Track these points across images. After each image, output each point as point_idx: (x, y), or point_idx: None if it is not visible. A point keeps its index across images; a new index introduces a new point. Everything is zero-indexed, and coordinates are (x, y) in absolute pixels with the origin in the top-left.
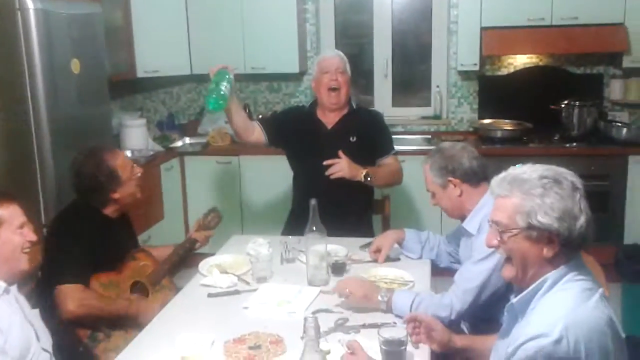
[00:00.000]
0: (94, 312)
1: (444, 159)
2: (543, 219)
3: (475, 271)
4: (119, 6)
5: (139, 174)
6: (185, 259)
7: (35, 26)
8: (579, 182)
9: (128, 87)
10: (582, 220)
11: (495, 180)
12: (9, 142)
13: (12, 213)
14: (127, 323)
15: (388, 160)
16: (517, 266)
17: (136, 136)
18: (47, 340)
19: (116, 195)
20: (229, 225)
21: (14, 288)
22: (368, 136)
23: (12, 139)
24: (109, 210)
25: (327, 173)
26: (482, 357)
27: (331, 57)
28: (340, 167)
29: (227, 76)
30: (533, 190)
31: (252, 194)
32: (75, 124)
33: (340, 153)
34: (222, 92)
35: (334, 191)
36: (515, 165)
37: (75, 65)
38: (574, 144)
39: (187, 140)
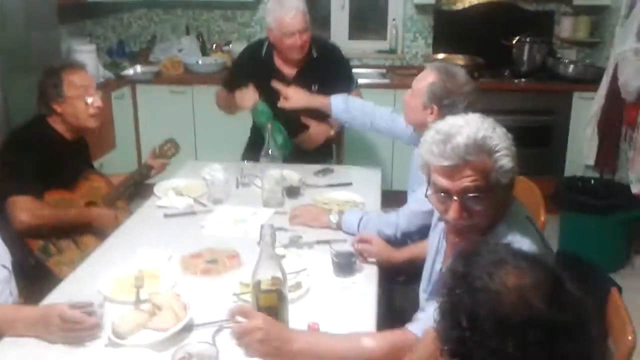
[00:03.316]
0: (47, 222)
1: (447, 90)
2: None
3: None
4: None
5: (90, 100)
6: (140, 184)
7: None
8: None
9: (77, 11)
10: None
11: (457, 145)
12: None
13: None
14: (82, 231)
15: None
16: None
17: (86, 62)
18: (5, 257)
19: (58, 109)
20: (182, 156)
21: None
22: (329, 81)
23: None
24: (61, 128)
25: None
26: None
27: (293, 17)
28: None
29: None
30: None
31: (207, 124)
32: (24, 47)
33: None
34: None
35: (295, 127)
36: None
37: None
38: (523, 79)
39: (139, 68)
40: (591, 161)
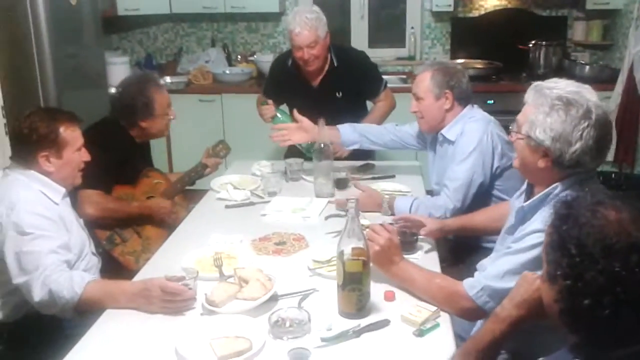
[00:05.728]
0: (111, 215)
1: (448, 73)
2: (539, 134)
3: (460, 170)
4: None
5: (172, 117)
6: (195, 180)
7: None
8: (595, 112)
9: (106, 26)
10: (576, 146)
11: (531, 86)
12: (13, 77)
13: (75, 135)
14: (143, 222)
15: (380, 98)
16: (520, 162)
17: (119, 74)
18: (93, 245)
19: (144, 124)
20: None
21: None
22: (353, 87)
23: (15, 75)
24: (134, 133)
25: None
26: (476, 232)
27: (298, 33)
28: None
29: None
30: (542, 107)
31: (236, 129)
32: (75, 59)
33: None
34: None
35: None
36: (486, 101)
37: None
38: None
39: (168, 79)
40: (610, 157)
